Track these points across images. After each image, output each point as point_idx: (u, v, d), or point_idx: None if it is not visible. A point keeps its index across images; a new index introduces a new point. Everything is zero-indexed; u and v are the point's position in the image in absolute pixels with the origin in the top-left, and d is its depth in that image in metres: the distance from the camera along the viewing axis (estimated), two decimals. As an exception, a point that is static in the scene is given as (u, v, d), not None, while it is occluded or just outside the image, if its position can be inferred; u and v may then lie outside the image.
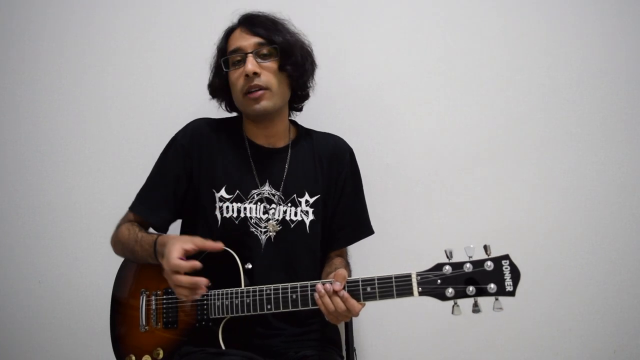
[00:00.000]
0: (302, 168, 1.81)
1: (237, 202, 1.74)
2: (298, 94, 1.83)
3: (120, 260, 1.88)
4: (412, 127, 2.18)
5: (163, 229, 1.81)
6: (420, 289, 1.42)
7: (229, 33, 1.79)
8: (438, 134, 2.17)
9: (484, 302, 1.39)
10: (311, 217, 1.77)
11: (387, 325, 2.16)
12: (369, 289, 1.47)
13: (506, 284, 1.37)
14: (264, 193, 1.76)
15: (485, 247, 1.39)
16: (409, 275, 1.44)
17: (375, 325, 2.15)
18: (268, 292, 1.57)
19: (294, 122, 1.91)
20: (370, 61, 2.19)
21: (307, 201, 1.77)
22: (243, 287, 1.62)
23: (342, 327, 1.92)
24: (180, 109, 2.09)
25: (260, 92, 1.68)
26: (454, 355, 2.16)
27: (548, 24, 2.16)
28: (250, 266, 1.68)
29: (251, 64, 1.67)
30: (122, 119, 2.24)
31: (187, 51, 2.20)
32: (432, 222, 2.16)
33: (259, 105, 1.69)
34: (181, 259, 1.52)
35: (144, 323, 1.75)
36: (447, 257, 1.41)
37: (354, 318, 1.90)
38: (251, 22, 1.74)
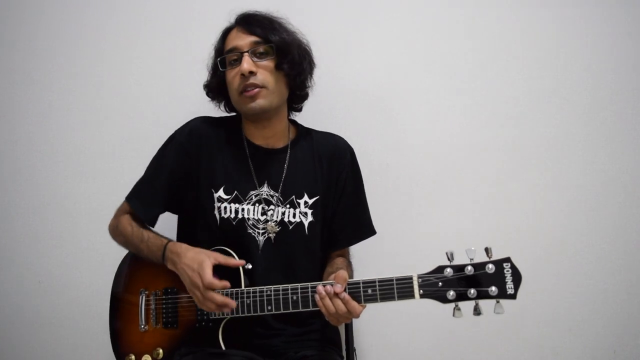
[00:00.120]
0: (302, 169, 1.80)
1: (235, 203, 1.73)
2: (297, 94, 1.82)
3: (119, 259, 1.88)
4: (413, 127, 2.18)
5: (152, 223, 1.82)
6: (421, 291, 1.42)
7: (226, 33, 1.78)
8: (439, 134, 2.17)
9: (485, 304, 1.39)
10: (310, 218, 1.76)
11: (387, 325, 2.16)
12: (369, 291, 1.47)
13: (507, 286, 1.37)
14: (262, 194, 1.75)
15: (487, 250, 1.39)
16: (410, 278, 1.43)
17: (376, 326, 2.15)
18: (268, 293, 1.57)
19: (293, 122, 1.90)
20: (371, 61, 2.18)
21: (306, 202, 1.77)
22: (243, 287, 1.61)
23: (342, 327, 1.92)
24: (180, 108, 2.07)
25: (256, 90, 1.67)
26: (454, 355, 2.16)
27: (548, 24, 2.16)
28: (250, 266, 1.66)
29: (247, 63, 1.66)
30: (121, 119, 2.23)
31: (186, 51, 2.20)
32: (433, 222, 2.16)
33: (254, 103, 1.69)
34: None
35: (143, 323, 1.76)
36: (449, 259, 1.41)
37: (354, 318, 1.91)
38: (247, 22, 1.73)
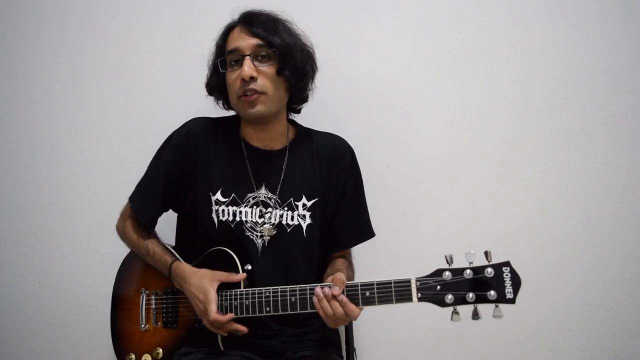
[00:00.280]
0: (300, 171, 1.78)
1: (232, 206, 1.72)
2: (296, 97, 1.80)
3: (119, 259, 1.90)
4: (413, 127, 2.17)
5: (151, 226, 1.84)
6: (419, 294, 1.41)
7: (228, 31, 1.75)
8: (439, 134, 2.16)
9: (484, 308, 1.38)
10: (308, 220, 1.75)
11: (387, 325, 2.16)
12: (367, 294, 1.46)
13: (506, 291, 1.36)
14: (260, 197, 1.74)
15: (486, 253, 1.37)
16: (409, 281, 1.43)
17: (375, 326, 2.15)
18: (267, 294, 1.57)
19: (293, 122, 1.88)
20: (371, 61, 2.18)
21: (304, 205, 1.75)
22: (242, 288, 1.62)
23: (342, 327, 1.93)
24: (179, 107, 2.07)
25: (255, 96, 1.65)
26: (454, 355, 2.16)
27: (548, 24, 2.15)
28: (249, 267, 1.66)
29: (248, 67, 1.63)
30: (121, 119, 2.23)
31: (186, 49, 2.18)
32: (433, 223, 2.16)
33: (253, 109, 1.67)
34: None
35: (143, 322, 1.78)
36: (447, 262, 1.40)
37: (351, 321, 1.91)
38: (251, 22, 1.69)
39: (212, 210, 1.72)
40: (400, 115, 2.17)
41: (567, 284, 2.13)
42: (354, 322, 1.94)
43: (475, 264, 1.38)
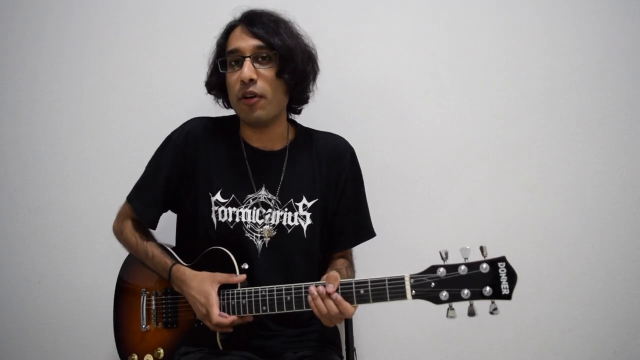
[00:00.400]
0: (300, 171, 1.77)
1: (232, 207, 1.72)
2: (297, 98, 1.79)
3: (119, 259, 1.90)
4: (413, 127, 2.17)
5: (153, 226, 1.83)
6: (413, 292, 1.40)
7: (229, 30, 1.74)
8: (439, 134, 2.16)
9: (480, 304, 1.37)
10: (309, 221, 1.74)
11: (387, 325, 2.16)
12: (362, 292, 1.45)
13: (502, 287, 1.34)
14: (259, 197, 1.73)
15: (482, 248, 1.35)
16: (402, 278, 1.41)
17: (375, 326, 2.14)
18: (263, 293, 1.57)
19: (293, 122, 1.87)
20: (371, 61, 2.17)
21: (304, 205, 1.74)
22: (239, 287, 1.61)
23: (342, 328, 1.92)
24: (180, 107, 2.09)
25: (254, 100, 1.64)
26: (454, 356, 2.16)
27: (549, 24, 2.14)
28: (246, 266, 1.66)
29: (248, 69, 1.62)
30: (121, 119, 2.23)
31: (186, 47, 2.19)
32: (433, 222, 2.15)
33: (253, 114, 1.66)
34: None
35: (144, 323, 1.78)
36: (442, 258, 1.38)
37: (354, 318, 1.89)
38: (252, 22, 1.68)
39: (211, 211, 1.71)
40: (400, 115, 2.17)
41: (567, 283, 2.12)
42: (354, 322, 1.93)
43: (471, 260, 1.36)
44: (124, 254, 1.89)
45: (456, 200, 2.15)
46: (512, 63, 2.14)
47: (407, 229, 2.16)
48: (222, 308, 1.60)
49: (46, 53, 2.25)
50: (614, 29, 2.12)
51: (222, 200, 1.72)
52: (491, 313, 1.35)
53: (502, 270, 1.35)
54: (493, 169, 2.15)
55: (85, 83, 2.24)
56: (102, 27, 2.24)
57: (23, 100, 2.26)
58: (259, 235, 1.71)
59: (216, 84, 1.78)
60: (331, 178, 1.80)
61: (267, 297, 1.56)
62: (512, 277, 1.34)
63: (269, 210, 1.73)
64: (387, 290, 1.42)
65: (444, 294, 1.37)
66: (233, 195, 1.72)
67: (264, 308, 1.57)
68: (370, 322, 2.12)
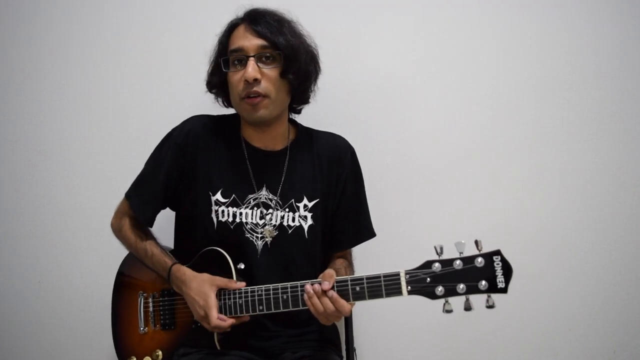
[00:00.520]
0: (301, 171, 1.77)
1: (232, 207, 1.71)
2: (298, 98, 1.78)
3: (119, 259, 1.90)
4: (413, 127, 2.17)
5: (149, 224, 1.82)
6: (409, 287, 1.39)
7: (232, 28, 1.72)
8: (439, 133, 2.16)
9: (476, 299, 1.36)
10: (310, 222, 1.74)
11: (387, 325, 2.15)
12: (357, 289, 1.44)
13: (498, 280, 1.33)
14: (260, 198, 1.73)
15: (476, 242, 1.34)
16: (398, 274, 1.41)
17: (375, 325, 2.14)
18: (259, 292, 1.56)
19: (293, 122, 1.87)
20: (371, 62, 2.18)
21: (305, 206, 1.74)
22: None
23: (341, 327, 1.92)
24: (179, 107, 2.06)
25: (258, 99, 1.63)
26: (454, 355, 2.15)
27: (549, 24, 2.14)
28: (242, 266, 1.65)
29: (252, 69, 1.61)
30: (122, 118, 2.24)
31: (186, 46, 2.19)
32: (433, 222, 2.15)
33: (256, 114, 1.65)
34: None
35: (142, 325, 1.77)
36: (437, 253, 1.38)
37: (353, 318, 1.90)
38: (256, 21, 1.67)
39: (211, 210, 1.71)
40: (400, 115, 2.17)
41: (567, 283, 2.12)
42: (354, 322, 1.93)
43: (466, 254, 1.36)
44: (124, 254, 1.89)
45: (456, 201, 2.15)
46: (512, 63, 2.14)
47: (407, 228, 2.15)
48: (219, 308, 1.59)
49: (46, 52, 2.26)
50: (614, 28, 2.13)
51: (223, 200, 1.71)
52: (487, 307, 1.34)
53: (498, 264, 1.34)
54: (494, 169, 2.15)
55: (85, 83, 2.25)
56: (102, 26, 2.25)
57: (23, 101, 2.27)
58: (259, 235, 1.71)
59: (217, 83, 1.77)
60: (331, 178, 1.79)
61: (264, 297, 1.55)
62: (507, 270, 1.33)
63: (270, 210, 1.72)
64: (382, 286, 1.42)
65: (440, 289, 1.37)
66: (234, 195, 1.72)
67: (261, 307, 1.56)
68: (370, 321, 2.11)
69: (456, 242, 1.35)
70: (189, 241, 1.77)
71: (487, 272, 1.34)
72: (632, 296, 2.10)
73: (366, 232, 1.87)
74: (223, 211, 1.70)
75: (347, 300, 1.45)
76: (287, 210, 1.73)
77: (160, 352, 1.73)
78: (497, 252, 1.35)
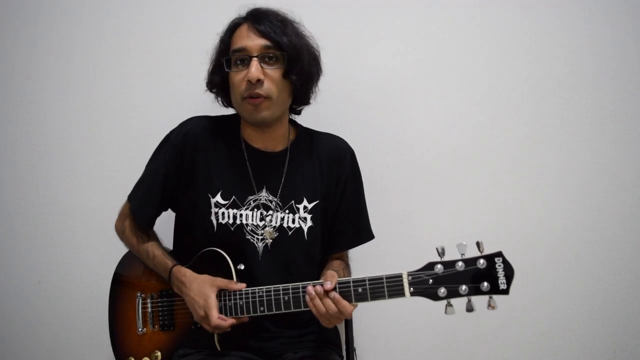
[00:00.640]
0: (301, 173, 1.76)
1: (233, 209, 1.70)
2: (299, 99, 1.77)
3: (119, 260, 1.90)
4: (413, 127, 2.17)
5: (149, 226, 1.83)
6: (411, 289, 1.39)
7: (234, 27, 1.70)
8: (439, 134, 2.16)
9: (478, 300, 1.37)
10: (309, 223, 1.73)
11: (387, 325, 2.15)
12: (360, 290, 1.44)
13: (499, 282, 1.34)
14: (260, 199, 1.72)
15: (478, 244, 1.35)
16: (400, 276, 1.41)
17: (376, 326, 2.14)
18: (260, 294, 1.56)
19: (293, 123, 1.86)
20: (371, 62, 2.18)
21: (305, 207, 1.73)
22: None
23: (342, 328, 1.91)
24: (179, 107, 2.05)
25: (260, 100, 1.62)
26: (454, 356, 2.15)
27: (548, 24, 2.14)
28: (242, 267, 1.65)
29: (255, 69, 1.59)
30: (122, 119, 2.23)
31: (186, 46, 2.18)
32: (433, 223, 2.15)
33: (258, 115, 1.64)
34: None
35: (141, 326, 1.76)
36: (439, 254, 1.38)
37: (353, 318, 1.89)
38: (259, 21, 1.64)
39: (210, 212, 1.70)
40: (400, 115, 2.17)
41: (567, 283, 2.12)
42: (354, 323, 1.93)
43: (467, 256, 1.37)
44: (123, 254, 1.89)
45: (456, 201, 2.15)
46: (512, 63, 2.15)
47: (407, 229, 2.15)
48: (220, 309, 1.59)
49: (46, 53, 2.25)
50: (614, 29, 2.13)
51: (223, 202, 1.70)
52: (488, 309, 1.35)
53: (499, 266, 1.35)
54: (494, 169, 2.15)
55: (85, 83, 2.24)
56: (102, 26, 2.24)
57: (24, 101, 2.26)
58: (259, 237, 1.70)
59: (218, 82, 1.75)
60: (331, 179, 1.78)
61: (265, 298, 1.55)
62: (509, 271, 1.34)
63: (270, 212, 1.71)
64: (385, 288, 1.42)
65: (442, 291, 1.37)
66: (234, 197, 1.70)
67: (262, 309, 1.55)
68: (370, 322, 2.11)
69: (458, 244, 1.36)
70: (188, 242, 1.76)
71: (489, 273, 1.35)
72: (632, 296, 2.10)
73: (365, 234, 1.86)
74: (223, 213, 1.69)
75: (349, 301, 1.45)
76: (287, 211, 1.72)
77: (159, 353, 1.73)
78: (499, 254, 1.35)
